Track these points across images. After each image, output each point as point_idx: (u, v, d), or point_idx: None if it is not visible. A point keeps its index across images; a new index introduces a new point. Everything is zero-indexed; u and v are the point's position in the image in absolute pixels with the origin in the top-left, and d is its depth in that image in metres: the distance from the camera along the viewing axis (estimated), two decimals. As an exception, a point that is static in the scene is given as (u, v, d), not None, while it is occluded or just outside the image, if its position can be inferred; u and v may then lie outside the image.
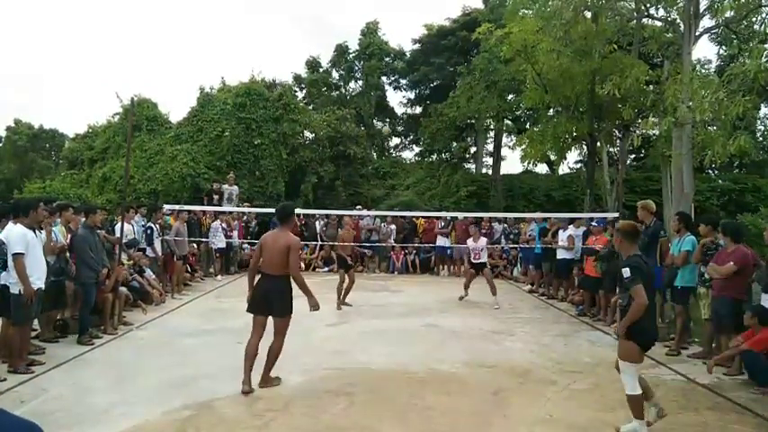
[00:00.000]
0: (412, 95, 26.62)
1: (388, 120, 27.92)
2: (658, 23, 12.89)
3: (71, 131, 40.80)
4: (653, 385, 5.39)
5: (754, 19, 10.88)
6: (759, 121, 17.99)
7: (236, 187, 15.04)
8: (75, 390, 4.96)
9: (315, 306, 5.12)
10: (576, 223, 10.67)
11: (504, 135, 22.62)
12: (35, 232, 5.63)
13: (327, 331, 7.60)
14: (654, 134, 14.86)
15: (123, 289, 7.88)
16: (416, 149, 27.47)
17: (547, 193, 19.78)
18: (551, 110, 16.32)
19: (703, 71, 16.80)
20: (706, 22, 11.16)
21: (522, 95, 16.28)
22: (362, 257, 14.68)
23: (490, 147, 24.49)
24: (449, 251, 14.67)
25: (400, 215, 15.44)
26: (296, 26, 57.63)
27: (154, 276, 9.59)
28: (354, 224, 13.00)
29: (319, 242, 14.66)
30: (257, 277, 5.22)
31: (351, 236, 10.26)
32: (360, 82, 25.55)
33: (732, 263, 5.97)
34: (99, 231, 7.45)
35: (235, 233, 13.79)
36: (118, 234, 8.21)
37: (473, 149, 24.85)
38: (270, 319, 5.10)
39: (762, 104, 16.47)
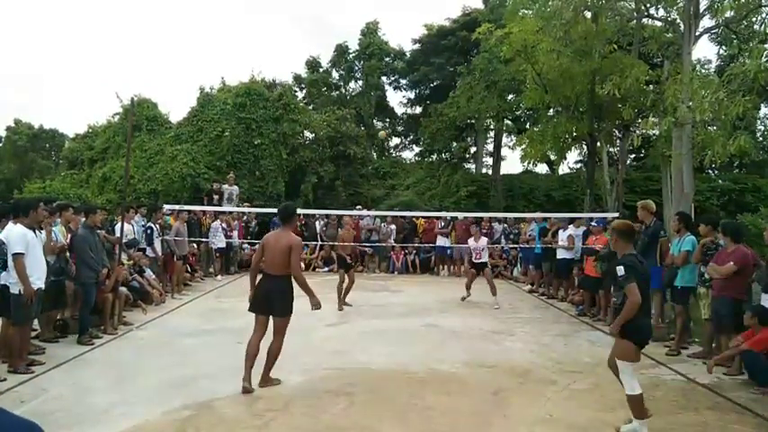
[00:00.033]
0: (412, 95, 26.66)
1: (388, 120, 27.92)
2: (658, 23, 12.90)
3: (71, 131, 40.83)
4: (653, 385, 5.42)
5: (754, 19, 10.88)
6: (759, 121, 18.01)
7: (236, 187, 15.04)
8: (75, 390, 4.96)
9: (317, 305, 5.15)
10: (576, 223, 10.67)
11: (504, 135, 22.63)
12: (35, 232, 5.63)
13: (327, 331, 7.60)
14: (654, 134, 14.86)
15: (123, 289, 7.88)
16: (416, 149, 27.50)
17: (547, 193, 19.78)
18: (551, 110, 16.32)
19: (703, 71, 16.80)
20: (706, 22, 11.18)
21: (522, 95, 16.28)
22: (362, 257, 14.69)
23: (490, 147, 24.51)
24: (449, 251, 14.67)
25: (400, 215, 15.44)
26: (296, 26, 57.69)
27: (154, 276, 9.59)
28: (354, 224, 13.01)
29: (319, 242, 14.66)
30: (259, 277, 5.24)
31: (351, 236, 10.25)
32: (360, 82, 25.56)
33: (732, 263, 5.97)
34: (99, 231, 7.45)
35: (235, 233, 13.80)
36: (118, 234, 8.21)
37: (473, 149, 24.85)
38: (271, 318, 5.12)
39: (762, 104, 16.47)
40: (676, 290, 6.98)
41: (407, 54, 25.08)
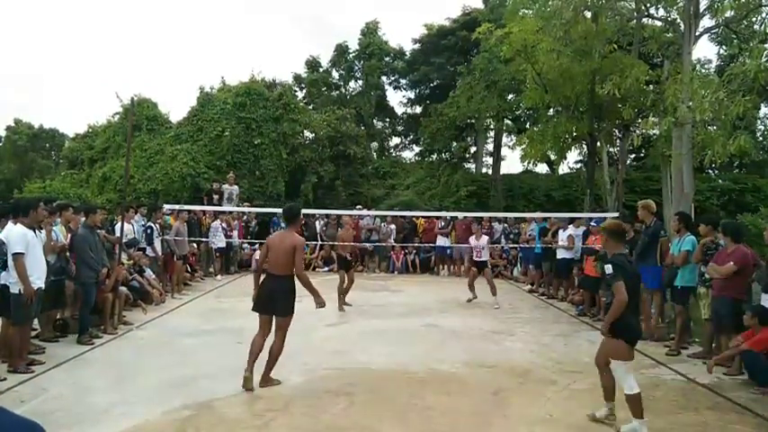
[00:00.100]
0: (412, 95, 26.64)
1: (388, 120, 27.90)
2: (658, 23, 12.89)
3: (71, 131, 40.75)
4: (653, 385, 5.42)
5: (754, 19, 10.87)
6: (759, 121, 18.01)
7: (236, 187, 15.04)
8: (75, 389, 4.96)
9: (321, 304, 5.24)
10: (576, 223, 10.67)
11: (504, 135, 22.61)
12: (35, 232, 5.63)
13: (327, 331, 7.60)
14: (654, 134, 14.85)
15: (123, 289, 7.88)
16: (416, 149, 27.48)
17: (547, 193, 19.77)
18: (551, 110, 16.31)
19: (703, 71, 16.80)
20: (706, 22, 11.17)
21: (522, 95, 16.27)
22: (363, 257, 14.70)
23: (490, 147, 24.49)
24: (449, 251, 14.68)
25: (400, 215, 15.44)
26: (296, 26, 57.68)
27: (154, 276, 9.59)
28: (354, 224, 13.01)
29: (319, 242, 14.66)
30: (262, 277, 5.28)
31: (350, 235, 10.25)
32: (360, 82, 25.54)
33: (732, 263, 5.97)
34: (99, 231, 7.45)
35: (235, 233, 13.80)
36: (118, 234, 8.22)
37: (473, 149, 24.83)
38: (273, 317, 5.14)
39: (762, 104, 16.47)
40: (676, 290, 6.98)
41: (407, 54, 25.07)
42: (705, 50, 56.70)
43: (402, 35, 67.73)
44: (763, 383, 5.25)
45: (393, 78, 26.07)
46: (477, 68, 18.23)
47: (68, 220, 7.16)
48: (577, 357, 6.43)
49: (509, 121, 21.54)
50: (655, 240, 7.45)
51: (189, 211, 12.14)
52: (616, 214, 11.25)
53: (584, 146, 16.91)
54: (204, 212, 13.36)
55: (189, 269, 11.69)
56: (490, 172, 23.00)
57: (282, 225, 14.50)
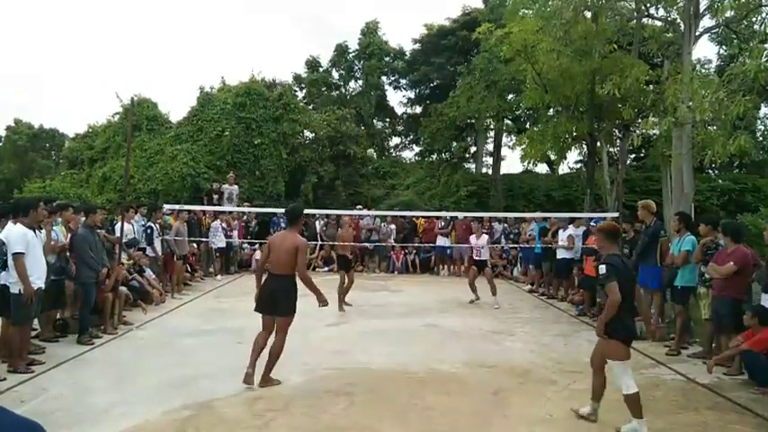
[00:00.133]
0: (412, 95, 26.63)
1: (388, 119, 27.90)
2: (658, 23, 12.89)
3: (71, 131, 40.80)
4: (653, 385, 5.43)
5: (754, 19, 10.87)
6: (759, 121, 18.01)
7: (236, 187, 15.04)
8: (75, 389, 4.96)
9: (324, 303, 5.30)
10: (576, 223, 10.67)
11: (504, 135, 22.60)
12: (35, 232, 5.63)
13: (327, 331, 7.60)
14: (654, 134, 14.86)
15: (123, 289, 7.88)
16: (416, 149, 27.48)
17: (547, 193, 19.77)
18: (551, 110, 16.31)
19: (703, 71, 16.81)
20: (706, 22, 11.17)
21: (522, 95, 16.26)
22: (363, 257, 14.71)
23: (490, 147, 24.48)
24: (449, 251, 14.68)
25: (400, 215, 15.44)
26: (296, 26, 57.70)
27: (154, 276, 9.59)
28: (354, 224, 13.00)
29: (319, 242, 14.66)
30: (264, 277, 5.30)
31: (350, 235, 10.25)
32: (360, 82, 25.54)
33: (732, 263, 5.97)
34: (99, 231, 7.46)
35: (235, 233, 13.80)
36: (118, 234, 8.22)
37: (473, 149, 24.83)
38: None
39: (762, 104, 16.47)
40: (676, 290, 6.98)
41: (407, 54, 25.06)
42: (705, 50, 56.77)
43: (402, 35, 67.83)
44: (763, 383, 5.25)
45: (393, 78, 26.06)
46: (477, 68, 18.23)
47: (68, 220, 7.16)
48: (577, 357, 6.42)
49: (509, 121, 21.54)
50: (655, 240, 7.45)
51: (189, 211, 12.13)
52: (616, 214, 11.22)
53: (584, 146, 16.91)
54: (204, 212, 13.36)
55: (189, 269, 11.69)
56: (490, 172, 23.00)
57: (282, 225, 14.53)
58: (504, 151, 23.68)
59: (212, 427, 4.16)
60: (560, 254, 10.40)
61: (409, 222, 15.46)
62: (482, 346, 6.91)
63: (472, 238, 10.39)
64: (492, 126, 21.43)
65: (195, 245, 12.38)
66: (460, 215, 14.81)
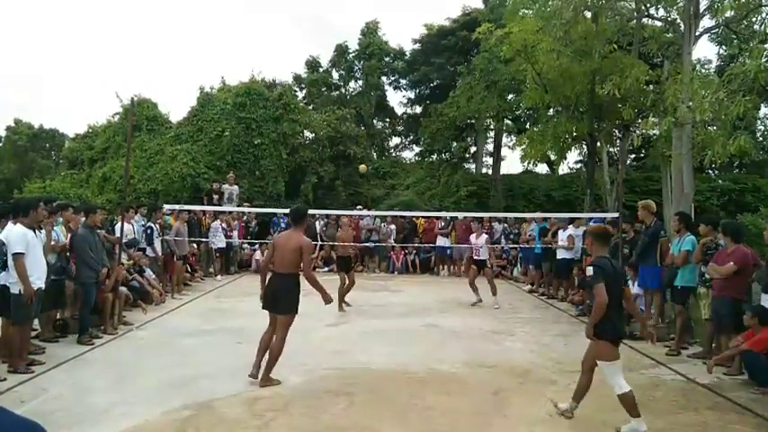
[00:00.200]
0: (412, 95, 26.61)
1: (388, 120, 27.89)
2: (658, 23, 12.88)
3: (71, 131, 40.81)
4: (653, 385, 5.43)
5: (754, 19, 10.87)
6: (759, 121, 17.98)
7: (236, 187, 15.04)
8: (75, 390, 4.96)
9: (329, 301, 5.42)
10: (576, 223, 10.67)
11: (504, 135, 22.60)
12: (35, 232, 5.63)
13: (327, 331, 7.60)
14: (654, 134, 14.84)
15: (123, 289, 7.88)
16: (416, 149, 27.48)
17: (547, 193, 19.76)
18: (551, 110, 16.30)
19: (703, 71, 16.78)
20: (706, 22, 11.17)
21: (522, 95, 16.26)
22: (363, 257, 14.71)
23: (490, 147, 24.47)
24: (449, 251, 14.68)
25: (400, 215, 15.44)
26: (296, 26, 57.69)
27: (154, 276, 9.60)
28: (354, 224, 12.99)
29: (319, 242, 14.67)
30: (269, 276, 5.40)
31: (350, 236, 10.26)
32: (360, 82, 25.53)
33: (732, 263, 5.97)
34: (99, 231, 7.45)
35: (235, 233, 13.80)
36: (118, 234, 8.22)
37: (473, 149, 24.83)
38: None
39: (762, 104, 16.45)
40: (676, 290, 6.98)
41: (407, 54, 25.05)
42: (705, 50, 56.74)
43: (402, 35, 67.82)
44: (763, 383, 5.25)
45: (393, 78, 26.05)
46: (477, 68, 18.22)
47: (68, 220, 7.16)
48: (577, 357, 6.35)
49: (509, 121, 21.53)
50: (655, 240, 7.46)
51: (189, 212, 12.13)
52: (616, 214, 11.23)
53: (584, 146, 16.91)
54: (204, 212, 13.36)
55: (189, 269, 11.70)
56: (490, 172, 22.99)
57: (283, 225, 14.53)
58: (504, 151, 23.71)
59: (212, 427, 4.16)
60: (560, 254, 10.40)
61: (409, 222, 15.46)
62: (482, 346, 6.91)
63: (472, 238, 10.40)
64: (492, 126, 21.43)
65: (195, 245, 12.38)
66: (460, 215, 14.82)
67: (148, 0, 61.54)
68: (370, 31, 24.67)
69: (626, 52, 14.05)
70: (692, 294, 6.94)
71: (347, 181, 19.40)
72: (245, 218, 14.83)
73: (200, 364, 5.82)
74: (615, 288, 4.18)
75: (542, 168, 22.55)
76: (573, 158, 23.76)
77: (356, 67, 25.29)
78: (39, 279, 5.54)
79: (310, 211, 14.94)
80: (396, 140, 28.93)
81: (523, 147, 15.27)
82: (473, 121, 20.76)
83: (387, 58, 25.16)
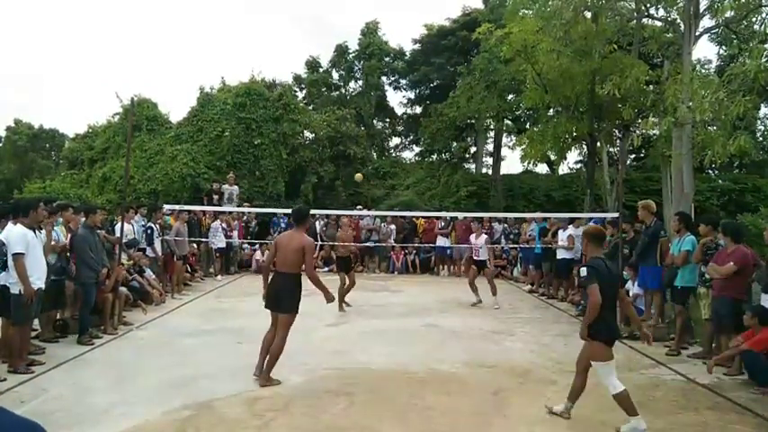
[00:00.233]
0: (412, 95, 26.61)
1: (388, 120, 27.89)
2: (658, 23, 12.88)
3: (71, 131, 40.85)
4: (653, 385, 5.43)
5: (754, 19, 10.86)
6: (759, 121, 17.98)
7: (236, 187, 15.04)
8: (75, 390, 4.96)
9: (330, 299, 5.47)
10: (576, 223, 10.67)
11: (504, 135, 22.59)
12: (35, 232, 5.63)
13: (327, 331, 7.60)
14: (654, 134, 14.84)
15: (123, 289, 7.88)
16: (416, 149, 27.48)
17: (547, 193, 19.76)
18: (551, 110, 16.30)
19: (703, 71, 16.78)
20: (706, 22, 11.16)
21: (522, 95, 16.26)
22: (363, 257, 14.71)
23: (490, 147, 24.47)
24: (449, 251, 14.68)
25: (400, 215, 15.44)
26: (296, 26, 57.70)
27: (154, 276, 9.60)
28: (354, 224, 12.98)
29: (319, 242, 14.67)
30: (271, 275, 5.43)
31: (349, 236, 10.26)
32: (360, 82, 25.52)
33: (732, 263, 5.97)
34: (99, 231, 7.45)
35: (235, 233, 13.80)
36: (118, 234, 8.22)
37: (473, 149, 24.83)
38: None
39: (762, 104, 16.45)
40: (676, 290, 6.98)
41: (407, 54, 25.05)
42: (705, 50, 56.75)
43: (402, 35, 67.82)
44: (763, 383, 5.25)
45: (393, 78, 26.05)
46: (477, 68, 18.22)
47: (68, 220, 7.16)
48: (577, 357, 6.43)
49: (509, 122, 21.53)
50: (655, 240, 7.45)
51: (189, 212, 12.13)
52: (616, 214, 11.23)
53: (584, 146, 16.90)
54: (204, 213, 13.36)
55: (189, 269, 11.70)
56: (490, 172, 22.99)
57: (282, 225, 14.52)
58: (504, 151, 23.71)
59: (212, 427, 4.16)
60: (560, 254, 10.40)
61: (409, 222, 15.46)
62: (482, 346, 6.91)
63: (472, 238, 10.40)
64: (492, 126, 21.42)
65: (195, 245, 12.38)
66: (460, 215, 14.81)
67: (148, 0, 61.58)
68: (370, 31, 24.67)
69: (626, 52, 14.04)
70: (692, 294, 6.94)
71: (347, 181, 19.40)
72: (245, 218, 14.83)
73: (200, 364, 5.82)
74: (609, 289, 4.21)
75: (542, 168, 22.58)
76: (573, 158, 23.79)
77: (356, 68, 25.29)
78: (39, 279, 5.54)
79: (310, 212, 15.07)
80: (396, 140, 28.96)
81: (523, 147, 15.27)
82: (473, 121, 20.75)
83: (387, 59, 25.16)
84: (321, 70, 25.29)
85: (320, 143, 18.60)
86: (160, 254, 10.11)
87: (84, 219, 7.24)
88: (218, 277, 12.81)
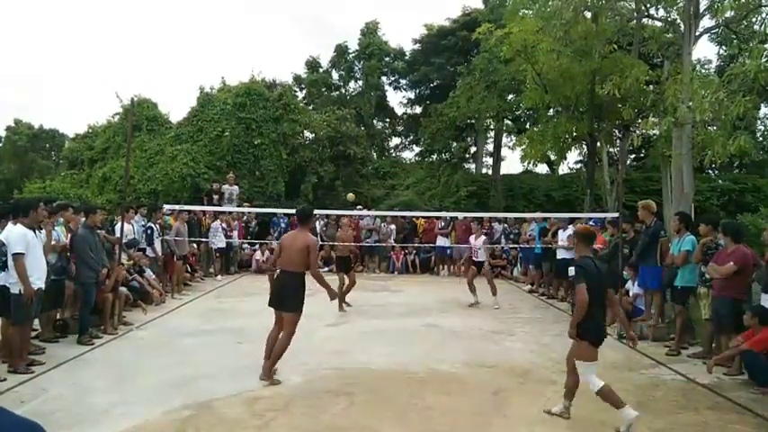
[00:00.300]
0: (412, 95, 26.62)
1: (388, 120, 27.89)
2: (658, 23, 12.88)
3: (71, 131, 40.87)
4: (653, 385, 5.43)
5: (754, 19, 10.86)
6: (759, 121, 17.96)
7: (236, 187, 15.04)
8: (75, 390, 4.96)
9: (333, 296, 5.60)
10: (576, 223, 10.66)
11: (504, 135, 22.60)
12: (35, 232, 5.63)
13: (327, 331, 7.60)
14: (654, 134, 14.84)
15: (123, 289, 7.88)
16: (416, 149, 27.49)
17: (547, 193, 19.76)
18: (551, 110, 16.30)
19: (703, 71, 16.79)
20: (706, 22, 11.16)
21: (522, 95, 16.26)
22: (363, 257, 14.71)
23: (490, 147, 24.48)
24: (449, 251, 14.68)
25: (400, 215, 15.44)
26: (296, 26, 57.73)
27: (154, 276, 9.60)
28: (354, 224, 12.97)
29: (319, 242, 14.65)
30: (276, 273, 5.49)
31: (349, 236, 10.26)
32: (360, 82, 25.53)
33: (732, 263, 5.97)
34: (99, 231, 7.46)
35: (235, 233, 13.80)
36: (118, 234, 8.22)
37: (473, 149, 24.83)
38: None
39: (762, 104, 16.44)
40: (676, 290, 6.99)
41: (407, 54, 25.06)
42: (705, 50, 56.79)
43: (402, 35, 67.85)
44: (763, 383, 5.25)
45: (393, 78, 26.06)
46: (477, 68, 18.22)
47: (68, 220, 7.16)
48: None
49: (509, 122, 21.53)
50: (655, 240, 7.45)
51: (189, 212, 12.13)
52: (616, 214, 11.23)
53: (584, 146, 16.91)
54: (204, 213, 13.36)
55: (189, 269, 11.70)
56: (490, 172, 22.99)
57: (282, 225, 14.50)
58: (504, 151, 23.72)
59: (212, 427, 4.16)
60: (560, 254, 10.40)
61: (409, 222, 15.46)
62: (482, 346, 6.91)
63: (471, 239, 10.40)
64: (492, 126, 21.43)
65: (195, 245, 12.38)
66: (460, 215, 14.81)
67: (148, 0, 61.58)
68: (369, 31, 24.68)
69: (626, 52, 14.04)
70: (691, 294, 6.94)
71: (347, 181, 19.40)
72: (245, 218, 14.83)
73: (200, 364, 5.82)
74: (598, 288, 4.23)
75: (542, 168, 22.58)
76: (573, 158, 23.81)
77: (356, 68, 25.30)
78: (39, 279, 5.54)
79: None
80: (396, 140, 28.98)
81: (523, 147, 15.27)
82: (473, 122, 20.76)
83: (387, 59, 25.17)
84: (321, 70, 25.31)
85: (320, 143, 18.60)
86: (160, 254, 10.11)
87: (84, 219, 7.24)
88: (218, 277, 12.81)
